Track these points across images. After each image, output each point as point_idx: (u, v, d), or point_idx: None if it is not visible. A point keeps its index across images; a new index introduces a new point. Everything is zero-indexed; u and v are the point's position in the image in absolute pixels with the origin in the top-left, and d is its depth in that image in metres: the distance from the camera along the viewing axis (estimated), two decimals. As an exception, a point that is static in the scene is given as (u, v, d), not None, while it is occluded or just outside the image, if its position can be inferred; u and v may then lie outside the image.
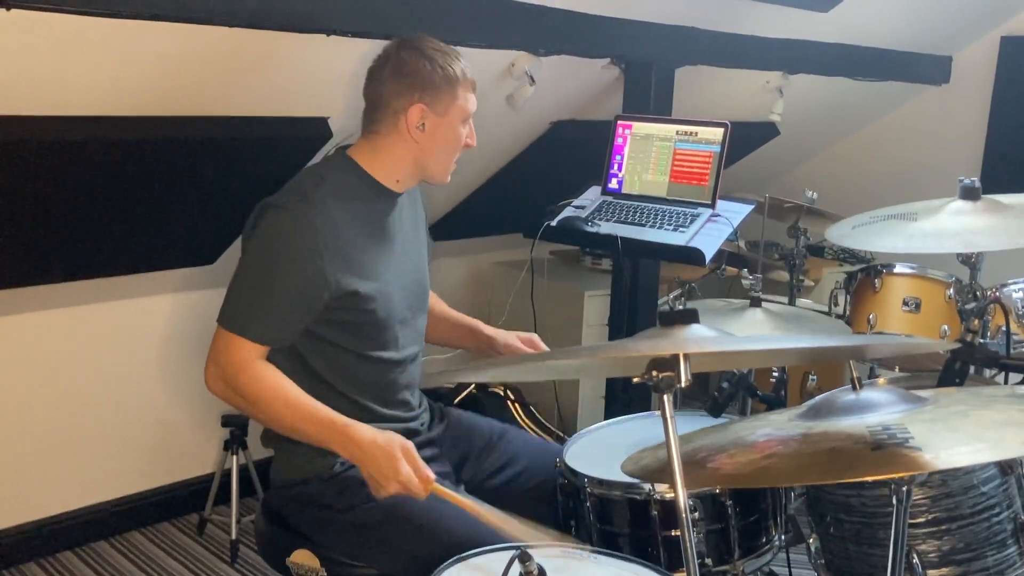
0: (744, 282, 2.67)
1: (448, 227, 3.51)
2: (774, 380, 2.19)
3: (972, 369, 2.06)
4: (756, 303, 2.53)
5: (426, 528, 1.71)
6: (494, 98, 2.85)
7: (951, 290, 2.62)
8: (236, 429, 3.05)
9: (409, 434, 1.90)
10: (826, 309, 2.98)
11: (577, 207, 2.63)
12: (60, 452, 2.95)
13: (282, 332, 1.75)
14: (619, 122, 2.70)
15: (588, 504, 1.75)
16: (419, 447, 1.89)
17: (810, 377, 2.69)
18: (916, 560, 1.61)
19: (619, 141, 2.68)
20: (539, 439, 2.17)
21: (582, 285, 3.66)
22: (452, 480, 1.87)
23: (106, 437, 3.04)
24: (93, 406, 2.99)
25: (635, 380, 1.28)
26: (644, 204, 2.58)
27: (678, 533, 1.62)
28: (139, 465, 3.14)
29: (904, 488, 1.34)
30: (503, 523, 1.63)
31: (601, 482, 1.74)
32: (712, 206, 2.51)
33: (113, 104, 2.21)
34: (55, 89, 2.08)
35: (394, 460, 1.64)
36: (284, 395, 1.72)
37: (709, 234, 2.43)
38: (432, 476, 1.66)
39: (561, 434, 3.02)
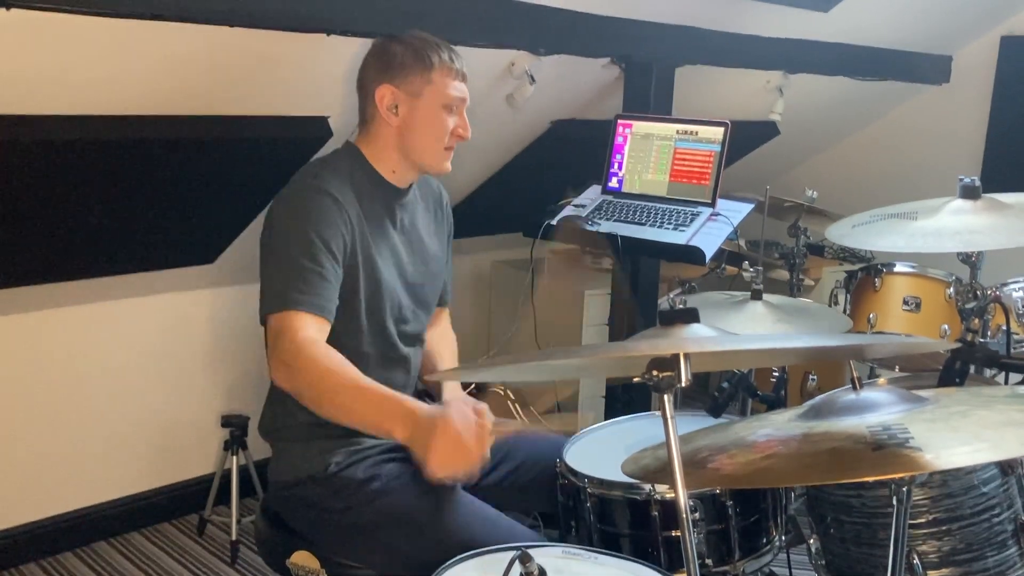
0: (745, 275, 2.67)
1: (448, 227, 3.51)
2: (774, 380, 2.19)
3: (972, 369, 2.06)
4: (757, 296, 2.52)
5: (424, 528, 1.71)
6: (494, 97, 2.85)
7: (951, 289, 2.62)
8: (236, 429, 3.05)
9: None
10: (827, 307, 2.98)
11: (577, 206, 2.63)
12: (60, 452, 2.95)
13: (330, 300, 1.69)
14: (619, 121, 2.70)
15: (588, 504, 1.75)
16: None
17: (810, 377, 2.69)
18: (916, 560, 1.61)
19: (619, 140, 2.68)
20: (535, 432, 2.17)
21: (582, 284, 3.66)
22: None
23: (106, 437, 3.04)
24: (93, 406, 2.99)
25: (635, 380, 1.28)
26: (644, 203, 2.58)
27: (678, 533, 1.62)
28: (139, 465, 3.14)
29: (904, 488, 1.34)
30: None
31: (601, 482, 1.74)
32: (712, 205, 2.51)
33: (113, 103, 2.21)
34: (54, 88, 2.08)
35: (464, 416, 1.51)
36: (346, 370, 1.60)
37: (709, 233, 2.43)
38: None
39: (561, 433, 3.02)
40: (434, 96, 1.82)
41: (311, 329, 1.64)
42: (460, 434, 1.48)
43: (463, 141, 1.89)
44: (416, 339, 1.96)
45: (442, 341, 2.12)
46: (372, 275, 1.79)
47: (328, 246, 1.70)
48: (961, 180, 2.11)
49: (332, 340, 1.76)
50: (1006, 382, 2.32)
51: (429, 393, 2.04)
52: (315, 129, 2.62)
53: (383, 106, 1.81)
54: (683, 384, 1.24)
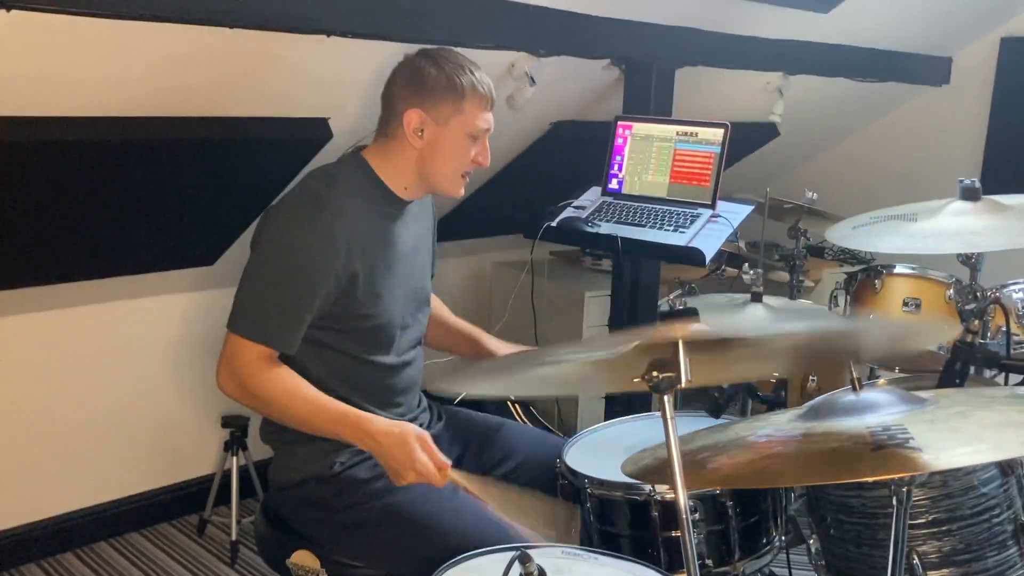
0: (744, 277, 2.67)
1: (449, 228, 3.49)
2: (774, 381, 2.19)
3: (972, 370, 2.06)
4: (757, 298, 2.52)
5: (425, 527, 1.71)
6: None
7: (951, 291, 2.62)
8: (236, 430, 3.05)
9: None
10: (826, 310, 2.98)
11: (577, 207, 2.63)
12: (60, 453, 2.95)
13: (297, 333, 1.74)
14: (619, 123, 2.70)
15: (588, 505, 1.75)
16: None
17: (811, 378, 2.69)
18: (916, 561, 1.61)
19: (619, 142, 2.68)
20: (536, 430, 2.16)
21: (582, 286, 3.66)
22: None
23: (105, 438, 3.04)
24: (92, 407, 2.99)
25: (635, 380, 1.28)
26: (644, 205, 2.58)
27: (678, 534, 1.62)
28: (139, 466, 3.14)
29: (904, 489, 1.34)
30: (512, 519, 1.63)
31: (601, 483, 1.74)
32: (712, 207, 2.51)
33: (113, 105, 2.21)
34: (54, 89, 2.08)
35: (409, 449, 1.65)
36: (299, 393, 1.72)
37: (709, 234, 2.43)
38: (448, 463, 1.66)
39: (560, 434, 3.02)
40: (461, 125, 1.81)
41: (269, 355, 1.73)
42: (412, 449, 1.64)
43: (480, 168, 1.89)
44: (417, 341, 1.97)
45: (440, 306, 2.17)
46: (373, 289, 1.79)
47: (311, 282, 1.71)
48: (961, 182, 2.12)
49: (337, 353, 1.79)
50: (1006, 383, 2.32)
51: (429, 394, 2.05)
52: (316, 130, 2.62)
53: (409, 128, 1.80)
54: (683, 384, 1.24)
